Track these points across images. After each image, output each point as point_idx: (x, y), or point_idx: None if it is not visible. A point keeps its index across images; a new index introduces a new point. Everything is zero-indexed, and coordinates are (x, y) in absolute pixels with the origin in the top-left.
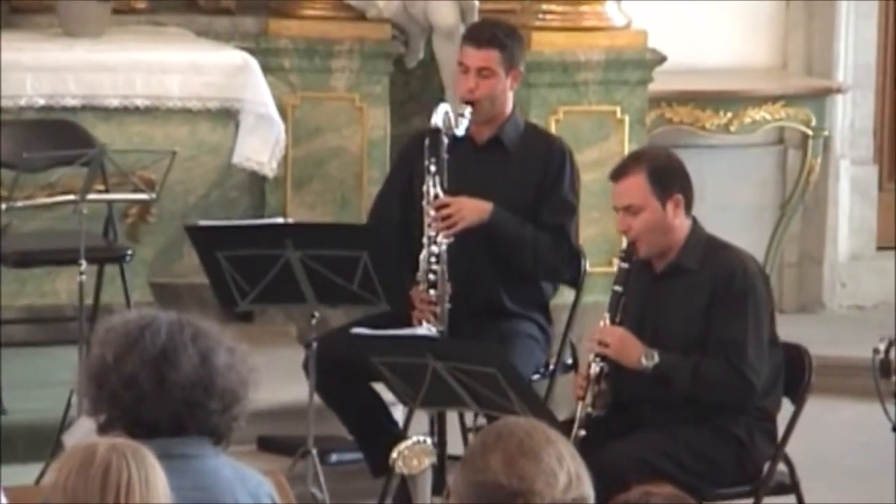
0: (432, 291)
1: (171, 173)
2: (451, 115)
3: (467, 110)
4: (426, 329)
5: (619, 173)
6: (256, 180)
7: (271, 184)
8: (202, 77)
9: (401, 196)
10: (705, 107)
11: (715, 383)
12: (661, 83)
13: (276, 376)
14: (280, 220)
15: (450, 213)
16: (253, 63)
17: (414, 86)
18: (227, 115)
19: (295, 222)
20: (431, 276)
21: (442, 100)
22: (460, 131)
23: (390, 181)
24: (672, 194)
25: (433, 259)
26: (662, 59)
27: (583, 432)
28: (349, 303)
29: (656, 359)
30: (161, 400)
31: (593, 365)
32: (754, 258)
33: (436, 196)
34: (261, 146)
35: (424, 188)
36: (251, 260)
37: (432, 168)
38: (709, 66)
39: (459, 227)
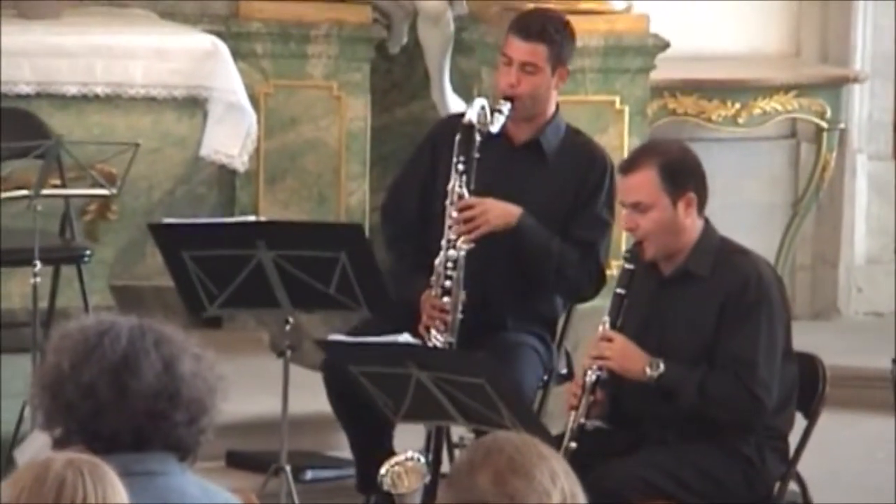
0: (445, 299)
1: (133, 167)
2: (488, 110)
3: (506, 107)
4: (433, 338)
5: (628, 167)
6: (226, 175)
7: (242, 179)
8: (167, 63)
9: (422, 186)
10: (711, 97)
11: (722, 400)
12: (663, 71)
13: (247, 386)
14: (251, 218)
15: (473, 216)
16: (222, 48)
17: (397, 73)
18: (195, 105)
19: (267, 220)
20: (447, 283)
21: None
22: (495, 128)
23: (412, 167)
24: (685, 192)
25: (450, 264)
26: (665, 45)
27: (574, 445)
28: (326, 308)
29: (662, 368)
30: (121, 411)
31: (589, 372)
32: (770, 264)
33: (460, 197)
34: (231, 138)
35: (449, 187)
36: (220, 261)
37: (460, 167)
38: (715, 52)
39: (483, 231)
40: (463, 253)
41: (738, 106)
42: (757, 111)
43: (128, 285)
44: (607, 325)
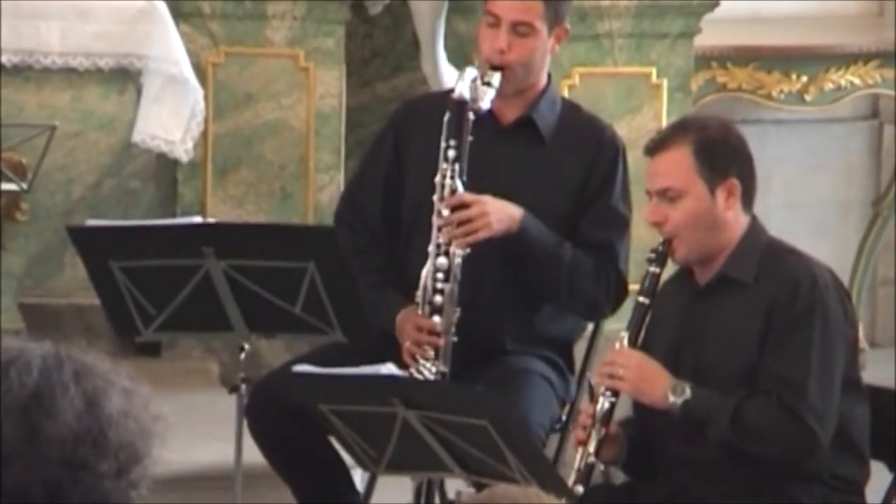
0: (436, 318)
1: (48, 155)
2: (480, 83)
3: (495, 77)
4: (423, 369)
5: (656, 146)
6: (165, 165)
7: (185, 170)
8: (91, 25)
9: (385, 186)
10: (771, 68)
11: (762, 430)
12: (711, 36)
13: (192, 429)
14: (197, 219)
15: (470, 217)
16: (160, 6)
17: (378, 39)
18: (125, 78)
19: (217, 222)
20: (437, 298)
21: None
22: (486, 104)
23: (370, 165)
24: (725, 177)
25: (440, 275)
26: (714, 3)
27: (580, 489)
28: (290, 331)
29: (687, 393)
30: (33, 460)
31: (601, 399)
32: (830, 270)
33: (453, 191)
34: (171, 119)
35: (438, 179)
36: (157, 273)
37: (451, 153)
38: (776, 13)
39: (482, 237)
40: (458, 261)
41: (804, 79)
42: (829, 86)
43: (41, 303)
44: (625, 342)
